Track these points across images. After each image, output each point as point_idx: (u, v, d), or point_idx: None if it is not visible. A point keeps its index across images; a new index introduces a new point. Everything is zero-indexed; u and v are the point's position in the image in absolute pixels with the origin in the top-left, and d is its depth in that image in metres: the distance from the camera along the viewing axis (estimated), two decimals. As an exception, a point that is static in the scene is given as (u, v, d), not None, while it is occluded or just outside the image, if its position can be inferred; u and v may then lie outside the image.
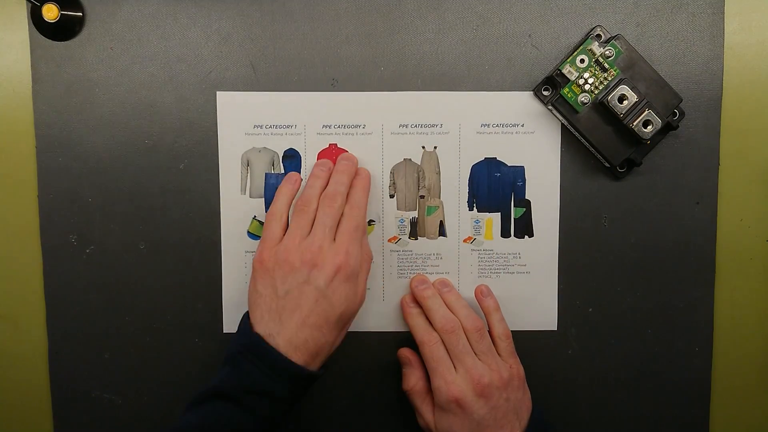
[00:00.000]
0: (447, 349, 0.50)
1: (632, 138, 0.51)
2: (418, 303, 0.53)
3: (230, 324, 0.55)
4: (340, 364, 0.55)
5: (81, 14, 0.52)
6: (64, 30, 0.52)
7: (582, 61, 0.51)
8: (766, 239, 0.55)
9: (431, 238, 0.55)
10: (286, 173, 0.54)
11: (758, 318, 0.55)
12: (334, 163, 0.53)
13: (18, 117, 0.53)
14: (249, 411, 0.45)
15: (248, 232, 0.54)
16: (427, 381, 0.52)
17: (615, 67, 0.51)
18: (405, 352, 0.53)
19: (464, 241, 0.55)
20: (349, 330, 0.55)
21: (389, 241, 0.55)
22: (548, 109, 0.53)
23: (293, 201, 0.51)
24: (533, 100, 0.53)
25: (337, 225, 0.49)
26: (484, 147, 0.54)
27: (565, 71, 0.51)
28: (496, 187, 0.54)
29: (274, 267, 0.48)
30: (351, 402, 0.56)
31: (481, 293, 0.54)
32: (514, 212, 0.55)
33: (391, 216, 0.54)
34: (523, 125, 0.54)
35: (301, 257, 0.47)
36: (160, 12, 0.53)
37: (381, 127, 0.54)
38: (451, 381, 0.49)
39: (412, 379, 0.52)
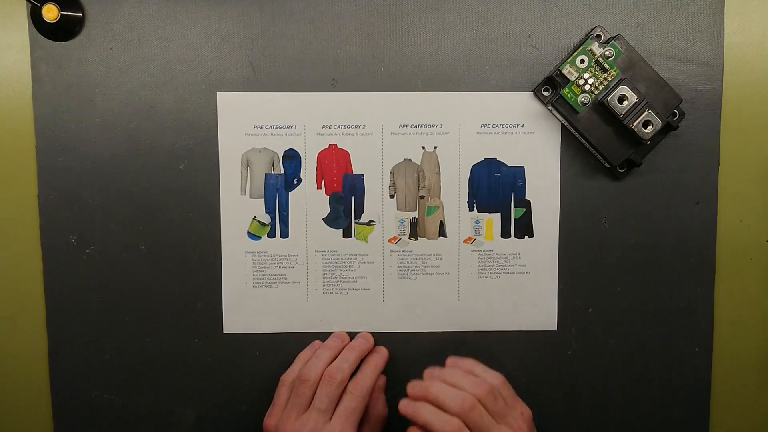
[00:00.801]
0: (470, 428, 0.47)
1: (632, 138, 0.51)
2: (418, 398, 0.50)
3: (230, 324, 0.55)
4: (340, 364, 0.55)
5: (81, 14, 0.52)
6: (64, 30, 0.52)
7: (582, 61, 0.51)
8: (766, 239, 0.55)
9: (431, 239, 0.55)
10: (286, 173, 0.54)
11: (758, 318, 0.55)
12: (334, 162, 0.53)
13: (18, 117, 0.53)
14: None
15: (248, 232, 0.54)
16: None
17: (615, 68, 0.51)
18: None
19: (464, 241, 0.55)
20: (348, 330, 0.55)
21: (389, 241, 0.55)
22: (548, 109, 0.53)
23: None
24: (533, 100, 0.53)
25: (339, 401, 0.50)
26: (484, 147, 0.54)
27: (565, 71, 0.51)
28: (496, 188, 0.54)
29: None
30: (351, 402, 0.56)
31: (454, 363, 0.51)
32: (514, 212, 0.55)
33: (391, 216, 0.54)
34: (523, 125, 0.54)
35: None
36: (160, 12, 0.53)
37: (381, 127, 0.54)
38: None
39: None
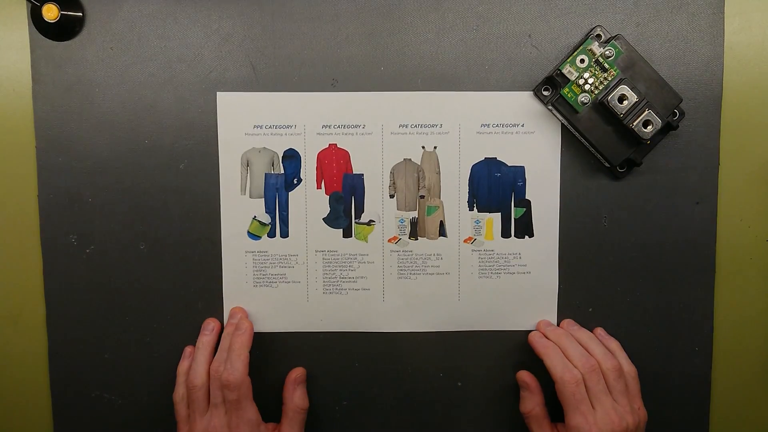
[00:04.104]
0: (586, 387, 0.50)
1: (632, 138, 0.51)
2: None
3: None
4: (339, 364, 0.55)
5: (81, 14, 0.52)
6: (64, 30, 0.52)
7: (582, 61, 0.51)
8: (766, 239, 0.55)
9: (431, 239, 0.55)
10: (286, 173, 0.54)
11: (758, 318, 0.55)
12: (334, 162, 0.54)
13: (18, 117, 0.53)
14: None
15: (248, 232, 0.54)
16: (544, 407, 0.53)
17: (615, 67, 0.51)
18: (525, 377, 0.54)
19: (464, 241, 0.55)
20: (348, 330, 0.55)
21: (389, 241, 0.55)
22: (548, 109, 0.53)
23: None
24: (533, 100, 0.53)
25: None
26: (484, 147, 0.54)
27: (565, 71, 0.51)
28: (496, 187, 0.54)
29: None
30: (350, 402, 0.56)
31: (601, 336, 0.54)
32: (515, 212, 0.55)
33: (391, 216, 0.54)
34: (523, 125, 0.54)
35: None
36: (160, 12, 0.53)
37: (381, 127, 0.54)
38: (593, 422, 0.49)
39: (530, 404, 0.53)
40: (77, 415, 0.55)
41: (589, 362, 0.50)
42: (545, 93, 0.53)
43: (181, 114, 0.53)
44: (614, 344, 0.53)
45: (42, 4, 0.51)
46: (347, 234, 0.55)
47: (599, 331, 0.54)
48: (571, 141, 0.54)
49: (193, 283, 0.54)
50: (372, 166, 0.54)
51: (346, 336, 0.55)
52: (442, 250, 0.55)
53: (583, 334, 0.53)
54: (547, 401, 0.54)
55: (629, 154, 0.52)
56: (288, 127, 0.54)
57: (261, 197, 0.54)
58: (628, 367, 0.51)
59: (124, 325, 0.55)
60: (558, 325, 0.55)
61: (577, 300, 0.55)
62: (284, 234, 0.54)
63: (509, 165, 0.54)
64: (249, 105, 0.53)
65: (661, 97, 0.51)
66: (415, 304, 0.55)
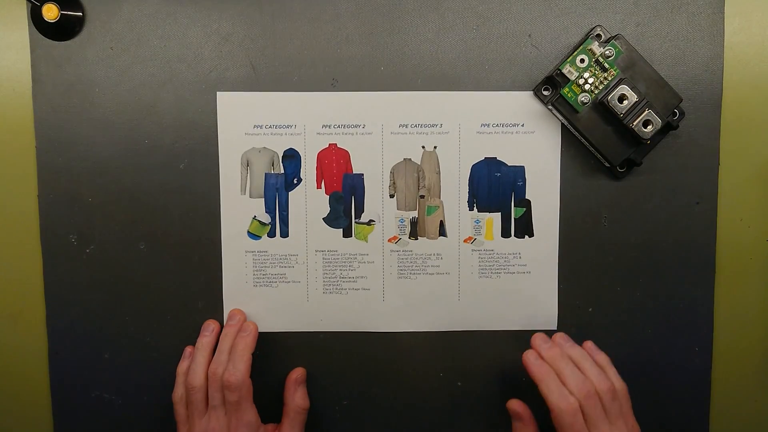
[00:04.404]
0: (582, 413, 0.48)
1: (632, 138, 0.51)
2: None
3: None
4: (339, 364, 0.55)
5: (81, 14, 0.52)
6: (64, 30, 0.52)
7: (582, 61, 0.51)
8: (766, 239, 0.55)
9: (431, 238, 0.55)
10: (286, 173, 0.54)
11: (758, 318, 0.55)
12: (334, 162, 0.53)
13: (18, 117, 0.53)
14: None
15: (248, 232, 0.54)
16: None
17: (615, 67, 0.51)
18: (516, 407, 0.52)
19: (464, 241, 0.55)
20: (348, 330, 0.55)
21: (389, 241, 0.55)
22: (548, 109, 0.53)
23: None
24: (533, 100, 0.53)
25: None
26: (484, 147, 0.54)
27: (565, 71, 0.51)
28: (497, 187, 0.54)
29: None
30: (350, 402, 0.56)
31: (591, 350, 0.52)
32: (515, 212, 0.55)
33: (391, 216, 0.54)
34: (523, 125, 0.54)
35: None
36: (160, 12, 0.53)
37: (381, 127, 0.54)
38: None
39: None
40: (77, 415, 0.55)
41: (586, 387, 0.48)
42: (545, 93, 0.53)
43: (181, 114, 0.53)
44: (603, 359, 0.52)
45: (42, 4, 0.51)
46: (347, 234, 0.55)
47: (588, 345, 0.53)
48: (571, 141, 0.54)
49: (193, 283, 0.54)
50: (372, 166, 0.54)
51: (346, 336, 0.55)
52: (442, 250, 0.55)
53: (576, 351, 0.51)
54: (541, 421, 0.53)
55: (629, 154, 0.52)
56: (288, 127, 0.54)
57: (261, 197, 0.54)
58: (619, 384, 0.50)
59: (124, 325, 0.55)
60: (551, 336, 0.53)
61: (577, 300, 0.55)
62: (284, 234, 0.54)
63: (509, 165, 0.54)
64: (249, 105, 0.53)
65: (661, 97, 0.51)
66: (415, 304, 0.55)
